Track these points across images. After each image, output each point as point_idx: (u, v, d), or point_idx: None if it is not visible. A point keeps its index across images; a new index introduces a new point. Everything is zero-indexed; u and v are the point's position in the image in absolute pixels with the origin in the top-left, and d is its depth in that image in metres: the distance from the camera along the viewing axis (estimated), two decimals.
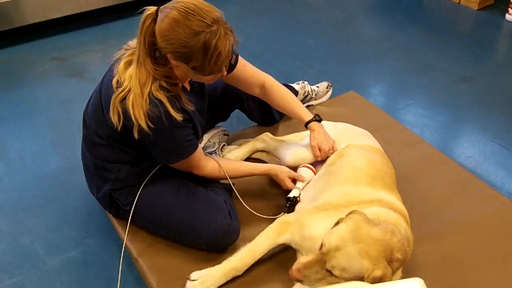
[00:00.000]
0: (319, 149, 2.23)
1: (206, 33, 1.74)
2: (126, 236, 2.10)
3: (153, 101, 1.82)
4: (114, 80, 1.88)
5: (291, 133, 2.62)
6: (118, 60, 1.93)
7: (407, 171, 2.42)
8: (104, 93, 1.96)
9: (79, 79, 3.38)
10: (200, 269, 1.98)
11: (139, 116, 1.81)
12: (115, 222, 2.22)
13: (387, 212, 1.82)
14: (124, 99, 1.83)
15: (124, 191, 2.09)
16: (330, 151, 2.23)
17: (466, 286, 2.00)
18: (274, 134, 2.61)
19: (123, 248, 2.09)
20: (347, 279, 1.61)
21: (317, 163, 2.28)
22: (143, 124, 1.82)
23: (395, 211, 1.85)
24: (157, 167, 2.10)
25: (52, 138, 2.86)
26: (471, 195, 2.43)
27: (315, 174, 2.25)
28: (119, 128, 1.88)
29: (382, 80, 3.50)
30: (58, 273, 2.13)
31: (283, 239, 1.93)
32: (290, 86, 2.80)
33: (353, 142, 2.25)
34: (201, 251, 2.08)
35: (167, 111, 1.83)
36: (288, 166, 2.27)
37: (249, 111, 2.66)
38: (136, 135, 1.86)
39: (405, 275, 1.80)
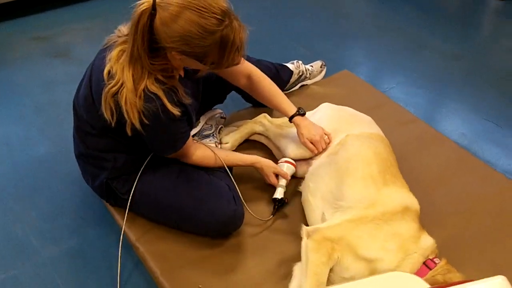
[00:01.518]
0: (311, 143, 2.18)
1: (221, 30, 1.64)
2: (124, 223, 2.04)
3: (148, 96, 1.73)
4: (106, 71, 1.77)
5: None
6: (110, 47, 1.83)
7: (403, 149, 2.39)
8: (95, 83, 1.86)
9: (64, 60, 3.25)
10: (204, 255, 1.97)
11: (132, 115, 1.73)
12: (112, 210, 2.16)
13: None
14: (116, 93, 1.74)
15: (122, 179, 2.03)
16: (324, 138, 2.19)
17: (467, 265, 1.96)
18: (269, 115, 2.54)
19: (122, 236, 2.02)
20: None
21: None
22: (136, 123, 1.74)
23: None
24: (151, 154, 2.04)
25: (39, 122, 2.75)
26: (468, 173, 2.43)
27: (296, 168, 2.21)
28: (113, 124, 1.80)
29: (373, 58, 3.45)
30: (55, 264, 2.06)
31: (333, 260, 1.81)
32: (285, 65, 2.75)
33: (353, 130, 2.20)
34: (199, 237, 2.04)
35: (163, 105, 1.75)
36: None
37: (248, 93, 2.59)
38: (129, 132, 1.79)
39: None
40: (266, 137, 2.44)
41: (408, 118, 2.72)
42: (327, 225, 1.87)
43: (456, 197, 2.29)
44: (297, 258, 1.91)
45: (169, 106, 1.76)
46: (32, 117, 2.78)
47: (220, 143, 2.42)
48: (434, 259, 1.82)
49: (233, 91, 2.57)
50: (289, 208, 2.19)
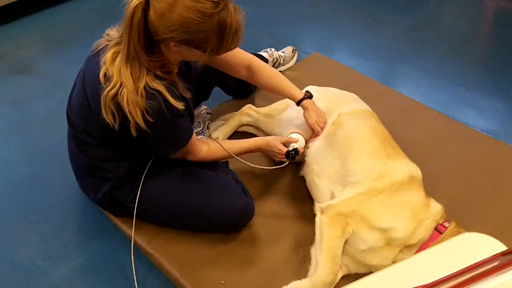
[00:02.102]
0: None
1: (218, 13, 1.62)
2: (133, 231, 2.01)
3: (150, 93, 1.70)
4: (101, 73, 1.72)
5: (268, 102, 2.58)
6: (101, 51, 1.78)
7: (387, 122, 2.41)
8: (90, 89, 1.82)
9: (27, 75, 3.09)
10: (219, 252, 1.97)
11: (136, 114, 1.69)
12: (116, 220, 2.12)
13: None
14: (115, 95, 1.69)
15: (126, 188, 1.99)
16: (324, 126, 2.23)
17: (472, 226, 1.99)
18: (253, 105, 2.56)
19: (132, 244, 2.00)
20: None
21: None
22: (141, 122, 1.70)
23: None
24: (152, 158, 2.02)
25: (17, 142, 2.64)
26: (452, 137, 2.54)
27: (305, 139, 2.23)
28: (116, 127, 1.76)
29: (338, 39, 3.51)
30: (68, 283, 2.00)
31: (347, 233, 1.86)
32: (259, 54, 2.76)
33: (344, 109, 2.24)
34: (214, 233, 2.05)
35: (166, 100, 1.72)
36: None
37: (228, 85, 2.60)
38: (134, 133, 1.75)
39: None
40: (255, 127, 2.46)
41: (385, 91, 2.80)
42: (340, 200, 1.91)
43: (447, 163, 2.38)
44: (312, 241, 1.95)
45: (172, 101, 1.73)
46: (9, 138, 2.67)
47: (209, 136, 2.42)
48: (444, 223, 1.90)
49: None
50: (295, 193, 2.23)
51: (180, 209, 1.98)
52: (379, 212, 1.85)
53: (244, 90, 2.68)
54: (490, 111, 2.82)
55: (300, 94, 2.25)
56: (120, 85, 1.69)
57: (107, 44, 1.78)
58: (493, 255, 1.05)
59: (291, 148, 2.14)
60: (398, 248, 1.85)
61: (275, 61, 2.82)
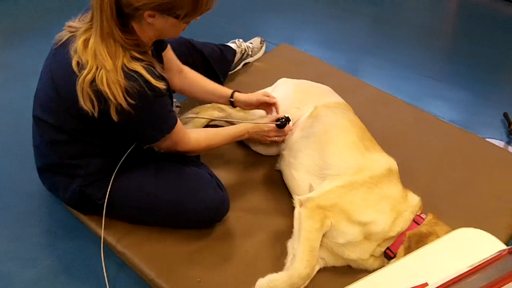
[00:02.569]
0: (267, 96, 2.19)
1: None
2: (103, 229, 1.94)
3: (129, 74, 1.63)
4: (74, 63, 1.65)
5: None
6: (68, 42, 1.71)
7: (359, 114, 2.40)
8: (61, 82, 1.74)
9: None
10: (195, 249, 1.93)
11: (117, 94, 1.61)
12: (85, 219, 2.05)
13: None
14: (93, 80, 1.62)
15: (96, 184, 1.92)
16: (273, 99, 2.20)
17: (445, 216, 2.01)
18: None
19: (102, 243, 1.93)
20: None
21: None
22: (123, 102, 1.62)
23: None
24: (127, 152, 1.93)
25: None
26: (424, 129, 2.55)
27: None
28: (95, 114, 1.67)
29: (305, 30, 3.49)
30: (37, 286, 1.91)
31: (326, 226, 1.84)
32: (228, 45, 2.72)
33: (319, 101, 2.22)
34: (188, 229, 1.99)
35: (147, 81, 1.65)
36: None
37: None
38: (115, 117, 1.66)
39: None
40: (227, 121, 2.40)
41: (356, 83, 2.79)
42: (319, 193, 1.89)
43: (418, 154, 2.39)
44: (289, 235, 1.92)
45: (153, 81, 1.66)
46: None
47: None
48: (421, 215, 1.91)
49: None
50: (271, 187, 2.20)
51: (153, 205, 1.93)
52: (359, 206, 1.84)
53: (212, 80, 2.61)
54: (458, 102, 2.86)
55: (229, 90, 2.24)
56: (97, 68, 1.62)
57: (73, 35, 1.71)
58: (499, 254, 1.05)
59: (279, 117, 2.11)
60: (377, 242, 1.85)
61: (243, 52, 2.77)
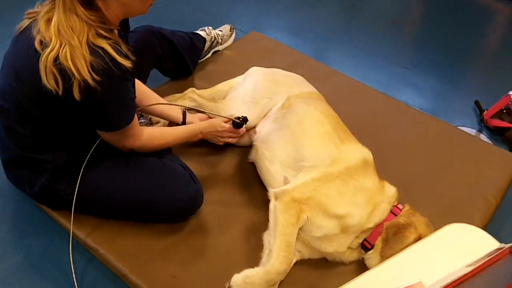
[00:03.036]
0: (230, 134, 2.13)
1: None
2: (72, 224, 1.87)
3: (95, 50, 1.56)
4: (37, 42, 1.58)
5: (208, 82, 2.49)
6: (29, 26, 1.64)
7: (330, 103, 2.39)
8: (23, 65, 1.65)
9: None
10: (168, 244, 1.88)
11: (82, 69, 1.54)
12: (54, 214, 1.98)
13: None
14: (56, 57, 1.54)
15: (65, 179, 1.85)
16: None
17: (419, 204, 2.03)
18: (191, 86, 2.43)
19: (71, 238, 1.88)
20: None
21: None
22: (87, 77, 1.54)
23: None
24: (95, 145, 1.85)
25: None
26: (395, 117, 2.54)
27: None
28: (60, 93, 1.58)
29: (274, 17, 3.46)
30: (5, 284, 1.85)
31: (302, 220, 1.81)
32: (197, 33, 2.66)
33: (292, 91, 2.18)
34: (161, 223, 1.94)
35: (113, 59, 1.58)
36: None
37: (166, 66, 2.48)
38: (78, 95, 1.57)
39: None
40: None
41: (327, 71, 2.76)
42: (294, 186, 1.86)
43: (391, 143, 2.38)
44: (264, 227, 1.91)
45: (119, 59, 1.59)
46: None
47: (151, 123, 2.30)
48: (398, 206, 1.90)
49: None
50: (243, 179, 2.16)
51: (124, 199, 1.87)
52: (334, 198, 1.82)
53: (182, 70, 2.56)
54: (429, 90, 2.88)
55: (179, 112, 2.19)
56: (61, 45, 1.54)
57: (34, 19, 1.65)
58: (499, 253, 1.03)
59: (237, 116, 2.07)
60: (354, 234, 1.84)
61: (213, 40, 2.71)
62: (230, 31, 2.87)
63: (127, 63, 1.61)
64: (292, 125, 2.02)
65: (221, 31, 2.83)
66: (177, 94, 2.35)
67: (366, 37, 3.29)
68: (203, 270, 1.85)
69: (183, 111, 2.18)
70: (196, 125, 2.11)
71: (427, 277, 1.12)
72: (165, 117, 2.19)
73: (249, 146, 2.20)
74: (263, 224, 1.91)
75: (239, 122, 2.06)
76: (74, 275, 1.84)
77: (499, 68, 3.14)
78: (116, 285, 1.88)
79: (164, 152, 2.01)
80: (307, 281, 1.84)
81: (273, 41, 2.96)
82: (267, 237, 1.87)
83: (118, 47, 1.63)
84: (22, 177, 1.92)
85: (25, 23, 1.69)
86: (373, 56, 3.11)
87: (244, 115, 2.07)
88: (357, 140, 2.04)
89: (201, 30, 2.71)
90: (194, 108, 2.23)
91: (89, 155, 1.85)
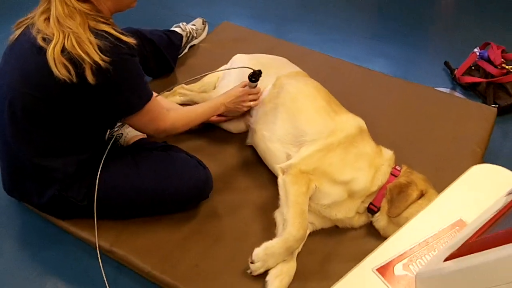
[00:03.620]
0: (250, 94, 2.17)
1: None
2: (96, 230, 1.91)
3: (99, 34, 1.62)
4: (39, 40, 1.62)
5: (190, 78, 2.49)
6: (23, 32, 1.70)
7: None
8: (29, 63, 1.69)
9: None
10: (185, 236, 1.94)
11: (91, 51, 1.59)
12: (64, 224, 1.99)
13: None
14: (63, 49, 1.59)
15: (76, 186, 1.87)
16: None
17: (407, 163, 2.09)
18: (174, 83, 2.50)
19: (97, 244, 1.90)
20: None
21: None
22: (97, 58, 1.59)
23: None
24: (109, 146, 1.93)
25: None
26: (374, 86, 2.63)
27: None
28: (74, 80, 1.61)
29: (238, 5, 3.51)
30: None
31: (311, 189, 1.88)
32: (174, 30, 2.69)
33: (281, 72, 2.25)
34: (174, 215, 1.99)
35: (118, 38, 1.64)
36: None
37: (148, 65, 2.49)
38: (92, 78, 1.61)
39: None
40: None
41: (304, 52, 2.82)
42: (299, 159, 1.93)
43: (374, 110, 2.45)
44: (272, 206, 1.97)
45: (123, 37, 1.66)
46: None
47: None
48: (397, 167, 2.00)
49: None
50: (245, 163, 2.22)
51: (139, 196, 1.90)
52: (339, 166, 1.90)
53: (164, 68, 2.59)
54: (400, 58, 2.99)
55: None
56: (64, 36, 1.60)
57: (28, 25, 1.71)
58: None
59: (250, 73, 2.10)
60: (360, 198, 1.93)
61: (188, 35, 2.75)
62: (203, 24, 2.91)
63: (131, 40, 1.67)
64: (287, 103, 2.09)
65: (194, 25, 2.87)
66: (166, 92, 2.40)
67: (328, 14, 3.38)
68: (222, 254, 1.90)
69: None
70: (216, 98, 2.14)
71: (466, 215, 1.21)
72: None
73: (245, 132, 2.28)
74: (271, 203, 1.98)
75: (256, 72, 2.08)
76: (106, 282, 1.86)
77: (460, 28, 3.28)
78: (140, 283, 1.92)
79: (164, 145, 2.07)
80: (324, 250, 1.93)
81: (245, 30, 3.01)
82: (279, 214, 1.94)
83: (118, 28, 1.69)
84: (29, 189, 1.93)
85: (17, 32, 1.74)
86: (339, 31, 3.20)
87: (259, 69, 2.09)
88: (348, 111, 2.13)
89: (176, 26, 2.75)
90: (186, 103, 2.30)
91: (104, 157, 1.89)
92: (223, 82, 2.33)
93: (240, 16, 3.37)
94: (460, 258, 0.95)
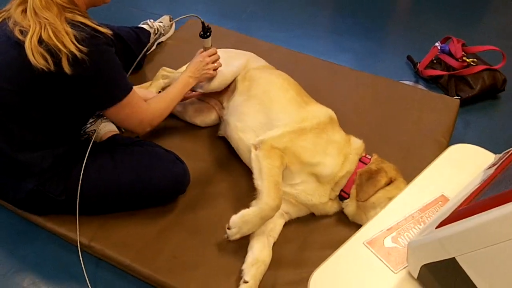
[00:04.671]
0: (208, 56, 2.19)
1: None
2: (78, 224, 1.89)
3: (75, 25, 1.63)
4: (17, 33, 1.62)
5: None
6: (2, 23, 1.69)
7: None
8: (4, 57, 1.68)
9: None
10: (162, 229, 1.95)
11: (67, 41, 1.59)
12: (39, 219, 1.98)
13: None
14: (40, 39, 1.60)
15: (54, 180, 1.86)
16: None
17: (375, 152, 2.18)
18: (143, 81, 2.52)
19: (78, 239, 1.89)
20: None
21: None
22: (74, 49, 1.59)
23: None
24: (92, 141, 1.91)
25: None
26: (340, 80, 2.68)
27: None
28: (52, 68, 1.60)
29: (205, 3, 3.54)
30: None
31: (284, 164, 1.91)
32: (142, 27, 2.70)
33: (250, 65, 2.29)
34: (151, 209, 2.00)
35: (94, 28, 1.65)
36: (213, 90, 2.26)
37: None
38: (68, 68, 1.61)
39: None
40: None
41: (270, 47, 2.85)
42: (272, 136, 1.96)
43: (342, 104, 2.50)
44: (250, 197, 1.96)
45: (99, 28, 1.67)
46: None
47: None
48: (366, 156, 2.06)
49: None
50: (218, 155, 2.25)
51: (116, 190, 1.91)
52: (309, 149, 1.95)
53: (132, 64, 2.56)
54: (363, 52, 3.06)
55: None
56: (41, 27, 1.60)
57: (5, 17, 1.70)
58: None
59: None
60: (329, 184, 1.97)
61: (156, 32, 2.76)
62: (170, 21, 2.91)
63: (108, 31, 1.69)
64: (259, 94, 2.13)
65: (162, 22, 2.87)
66: (147, 83, 2.42)
67: (290, 11, 3.44)
68: (200, 244, 1.93)
69: None
70: (182, 74, 2.14)
71: (448, 191, 1.26)
72: None
73: (217, 125, 2.31)
74: (246, 194, 2.01)
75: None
76: (86, 276, 1.85)
77: (420, 24, 3.37)
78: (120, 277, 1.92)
79: (143, 142, 2.07)
80: (300, 238, 1.97)
81: (212, 26, 3.00)
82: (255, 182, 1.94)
83: (93, 20, 1.70)
84: (5, 185, 1.91)
85: None
86: (304, 27, 3.26)
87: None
88: (317, 102, 2.18)
89: (144, 23, 2.75)
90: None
91: (87, 155, 1.86)
92: None
93: (207, 13, 3.38)
94: (453, 223, 1.00)
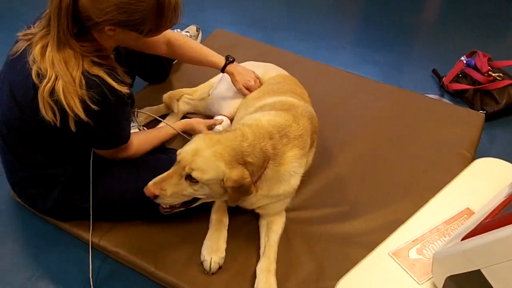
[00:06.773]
0: (247, 89, 2.24)
1: None
2: (90, 232, 1.94)
3: (91, 80, 1.62)
4: (34, 74, 1.62)
5: (185, 82, 2.59)
6: (25, 51, 1.68)
7: (305, 85, 2.45)
8: (20, 93, 1.71)
9: None
10: (178, 232, 1.98)
11: (74, 105, 1.60)
12: (66, 226, 2.02)
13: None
14: (52, 90, 1.60)
15: (78, 188, 1.89)
16: (257, 82, 2.26)
17: (398, 164, 2.24)
18: (170, 89, 2.54)
19: (90, 244, 1.93)
20: (209, 184, 1.69)
21: None
22: (80, 113, 1.61)
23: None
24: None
25: None
26: (363, 92, 2.69)
27: (230, 122, 2.27)
28: (58, 124, 1.64)
29: (230, 13, 3.57)
30: None
31: None
32: None
33: (269, 74, 2.35)
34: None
35: (110, 86, 1.64)
36: None
37: (146, 71, 2.53)
38: (73, 127, 1.65)
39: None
40: (193, 112, 2.47)
41: (294, 58, 2.88)
42: None
43: (365, 116, 2.53)
44: None
45: (115, 85, 1.66)
46: None
47: (143, 127, 2.35)
48: None
49: None
50: None
51: (142, 198, 1.85)
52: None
53: (160, 74, 2.63)
54: (387, 64, 3.07)
55: (222, 60, 2.29)
56: (56, 78, 1.60)
57: (29, 43, 1.68)
58: None
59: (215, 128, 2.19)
60: None
61: None
62: (196, 31, 2.96)
63: (123, 89, 1.68)
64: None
65: (188, 32, 2.92)
66: (147, 108, 2.47)
67: (317, 22, 3.46)
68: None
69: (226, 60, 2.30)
70: (181, 124, 2.21)
71: (473, 204, 1.26)
72: (209, 65, 2.32)
73: None
74: None
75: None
76: (91, 282, 1.87)
77: (445, 38, 3.37)
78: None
79: (167, 149, 2.10)
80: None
81: (237, 36, 3.06)
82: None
83: (114, 73, 1.69)
84: (33, 195, 1.95)
85: (21, 46, 1.71)
86: (328, 39, 3.28)
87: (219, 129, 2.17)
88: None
89: None
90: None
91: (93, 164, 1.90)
92: (216, 87, 2.41)
93: (232, 24, 3.42)
94: (478, 235, 1.00)
